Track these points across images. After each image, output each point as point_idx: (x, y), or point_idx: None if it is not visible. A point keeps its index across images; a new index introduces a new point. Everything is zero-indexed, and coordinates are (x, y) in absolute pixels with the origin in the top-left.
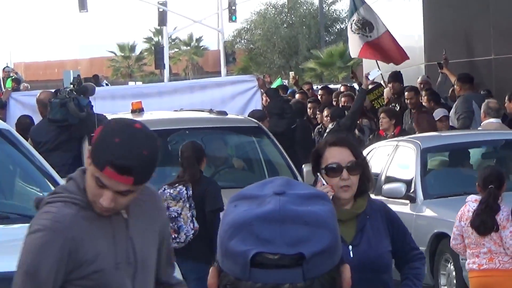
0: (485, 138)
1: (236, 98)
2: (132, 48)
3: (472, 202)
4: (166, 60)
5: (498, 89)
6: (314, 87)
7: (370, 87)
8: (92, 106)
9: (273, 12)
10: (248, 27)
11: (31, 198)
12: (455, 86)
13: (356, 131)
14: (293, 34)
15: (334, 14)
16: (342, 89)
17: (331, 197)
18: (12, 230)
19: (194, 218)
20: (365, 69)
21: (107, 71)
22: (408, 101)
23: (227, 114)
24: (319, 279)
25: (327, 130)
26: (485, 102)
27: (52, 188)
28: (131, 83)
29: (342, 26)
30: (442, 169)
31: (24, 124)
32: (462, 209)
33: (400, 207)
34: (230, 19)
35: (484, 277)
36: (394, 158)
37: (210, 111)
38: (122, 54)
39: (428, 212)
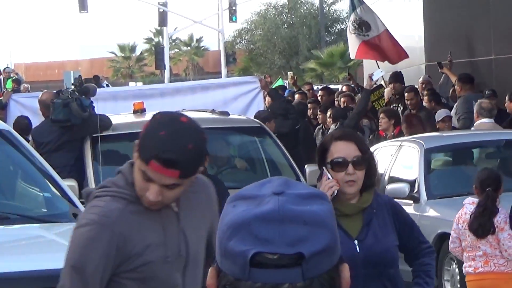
0: (489, 138)
1: (238, 99)
2: (133, 48)
3: (469, 204)
4: (167, 61)
5: (498, 89)
6: (315, 87)
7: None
8: (94, 107)
9: (273, 12)
10: (249, 27)
11: (31, 199)
12: (455, 87)
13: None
14: (294, 35)
15: (335, 14)
16: (344, 89)
17: (336, 191)
18: (12, 231)
19: None
20: (366, 70)
21: (107, 71)
22: (408, 102)
23: (229, 115)
24: (318, 278)
25: (330, 131)
26: (478, 103)
27: (52, 188)
28: (131, 84)
29: (342, 26)
30: (446, 169)
31: (22, 125)
32: (459, 211)
33: (404, 207)
34: (231, 20)
35: (480, 281)
36: (397, 158)
37: (212, 111)
38: (123, 55)
39: (431, 212)
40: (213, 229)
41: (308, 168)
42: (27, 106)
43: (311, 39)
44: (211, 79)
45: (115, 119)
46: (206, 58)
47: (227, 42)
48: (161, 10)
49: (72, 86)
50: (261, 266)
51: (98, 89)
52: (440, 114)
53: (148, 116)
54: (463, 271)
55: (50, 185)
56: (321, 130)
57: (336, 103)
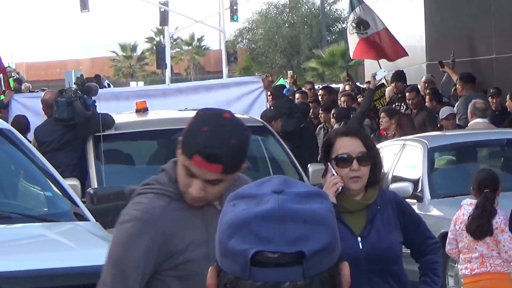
0: (493, 137)
1: (241, 99)
2: (134, 48)
3: (467, 205)
4: (168, 60)
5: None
6: (316, 87)
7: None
8: (96, 106)
9: (274, 11)
10: (250, 26)
11: (33, 198)
12: (457, 86)
13: None
14: (295, 34)
15: (336, 13)
16: (347, 88)
17: (340, 188)
18: (14, 230)
19: None
20: (367, 69)
21: (108, 71)
22: (410, 102)
23: None
24: (318, 277)
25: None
26: (472, 103)
27: (54, 188)
28: (132, 83)
29: (343, 26)
30: (449, 169)
31: (20, 124)
32: (457, 212)
33: None
34: (232, 19)
35: (476, 282)
36: (401, 158)
37: None
38: (124, 54)
39: (435, 212)
40: None
41: (311, 167)
42: (29, 106)
43: (312, 38)
44: (214, 79)
45: (117, 118)
46: (207, 57)
47: (228, 42)
48: (162, 10)
49: (75, 85)
50: (261, 265)
51: (101, 89)
52: (444, 111)
53: (150, 115)
54: (459, 273)
55: (51, 184)
56: (322, 129)
57: (339, 102)
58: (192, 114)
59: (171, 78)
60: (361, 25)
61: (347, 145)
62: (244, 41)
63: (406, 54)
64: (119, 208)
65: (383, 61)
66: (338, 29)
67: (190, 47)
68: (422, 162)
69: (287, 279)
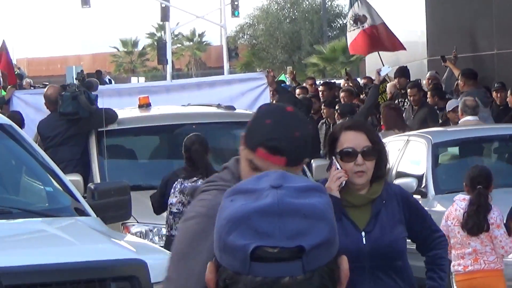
0: (497, 133)
1: (245, 95)
2: (135, 43)
3: (460, 201)
4: (169, 56)
5: None
6: (317, 82)
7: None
8: (97, 101)
9: (275, 7)
10: (251, 22)
11: (33, 193)
12: (459, 81)
13: None
14: (296, 29)
15: (337, 9)
16: (350, 83)
17: (344, 182)
18: (14, 225)
19: None
20: (368, 65)
21: (109, 66)
22: (411, 98)
23: (235, 109)
24: (318, 271)
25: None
26: (462, 100)
27: (54, 183)
28: (133, 79)
29: (344, 21)
30: (454, 164)
31: (15, 120)
32: (449, 208)
33: None
34: (233, 15)
35: (470, 280)
36: (405, 153)
37: (218, 106)
38: (125, 50)
39: (439, 207)
40: None
41: (314, 162)
42: (30, 102)
43: (314, 34)
44: (215, 75)
45: (120, 114)
46: (209, 53)
47: (229, 37)
48: (163, 5)
49: (76, 81)
50: (261, 260)
51: (103, 86)
52: (451, 104)
53: (153, 111)
54: (451, 269)
55: (52, 179)
56: (324, 124)
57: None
58: (195, 109)
59: (172, 74)
60: (358, 20)
61: (352, 139)
62: (245, 36)
63: (404, 48)
64: (119, 203)
65: (385, 57)
66: (339, 25)
67: (191, 43)
68: (426, 158)
69: (287, 273)
